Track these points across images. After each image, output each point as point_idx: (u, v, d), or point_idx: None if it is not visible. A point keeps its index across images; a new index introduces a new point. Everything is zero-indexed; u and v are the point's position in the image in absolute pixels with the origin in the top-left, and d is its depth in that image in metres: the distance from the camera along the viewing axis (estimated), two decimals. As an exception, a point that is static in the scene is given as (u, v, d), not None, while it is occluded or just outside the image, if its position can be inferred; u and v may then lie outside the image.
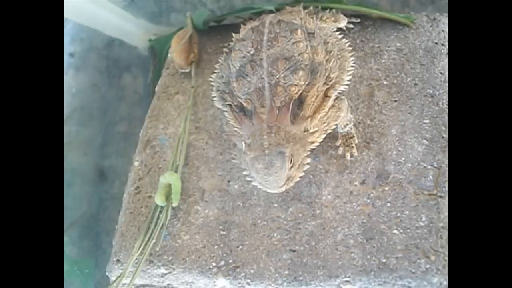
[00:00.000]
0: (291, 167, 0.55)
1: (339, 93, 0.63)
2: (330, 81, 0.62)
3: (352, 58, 0.67)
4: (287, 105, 0.57)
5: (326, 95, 0.61)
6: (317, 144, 0.61)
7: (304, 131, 0.58)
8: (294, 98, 0.58)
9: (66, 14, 0.86)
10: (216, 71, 0.71)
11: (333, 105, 0.61)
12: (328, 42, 0.65)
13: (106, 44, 1.01)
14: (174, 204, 0.68)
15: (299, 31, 0.63)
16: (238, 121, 0.61)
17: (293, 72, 0.59)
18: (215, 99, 0.69)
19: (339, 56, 0.65)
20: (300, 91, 0.59)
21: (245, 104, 0.60)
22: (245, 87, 0.62)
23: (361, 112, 0.71)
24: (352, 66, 0.66)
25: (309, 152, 0.59)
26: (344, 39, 0.69)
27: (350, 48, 0.68)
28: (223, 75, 0.68)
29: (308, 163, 0.59)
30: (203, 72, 0.83)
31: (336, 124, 0.63)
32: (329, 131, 0.62)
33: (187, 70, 0.83)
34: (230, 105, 0.63)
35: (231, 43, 0.72)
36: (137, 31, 0.98)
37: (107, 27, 0.95)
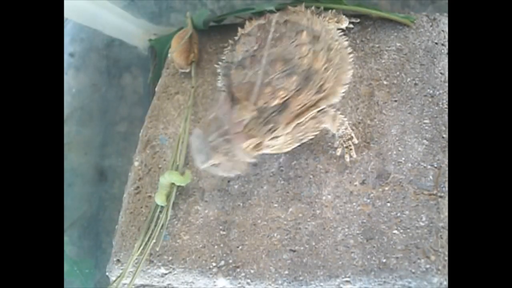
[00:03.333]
0: (216, 165, 0.57)
1: (331, 105, 0.62)
2: (324, 91, 0.61)
3: (351, 71, 0.65)
4: (250, 136, 0.56)
5: (314, 105, 0.60)
6: (289, 149, 0.61)
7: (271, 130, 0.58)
8: (278, 102, 0.58)
9: (66, 14, 0.86)
10: (223, 58, 0.71)
11: (314, 117, 0.61)
12: (332, 49, 0.64)
13: (106, 44, 1.01)
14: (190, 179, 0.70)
15: (304, 33, 0.62)
16: (225, 100, 0.60)
17: (287, 75, 0.59)
18: (218, 79, 0.69)
19: (338, 67, 0.64)
20: (288, 97, 0.58)
21: (235, 92, 0.60)
22: (240, 77, 0.62)
23: (361, 112, 0.71)
24: (348, 80, 0.64)
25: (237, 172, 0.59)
26: (347, 49, 0.67)
27: (351, 60, 0.66)
28: (227, 60, 0.68)
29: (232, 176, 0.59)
30: (203, 72, 0.83)
31: (316, 135, 0.62)
32: (304, 141, 0.62)
33: (187, 70, 0.83)
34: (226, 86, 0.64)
35: (237, 37, 0.71)
36: (137, 31, 0.99)
37: (107, 27, 0.95)
